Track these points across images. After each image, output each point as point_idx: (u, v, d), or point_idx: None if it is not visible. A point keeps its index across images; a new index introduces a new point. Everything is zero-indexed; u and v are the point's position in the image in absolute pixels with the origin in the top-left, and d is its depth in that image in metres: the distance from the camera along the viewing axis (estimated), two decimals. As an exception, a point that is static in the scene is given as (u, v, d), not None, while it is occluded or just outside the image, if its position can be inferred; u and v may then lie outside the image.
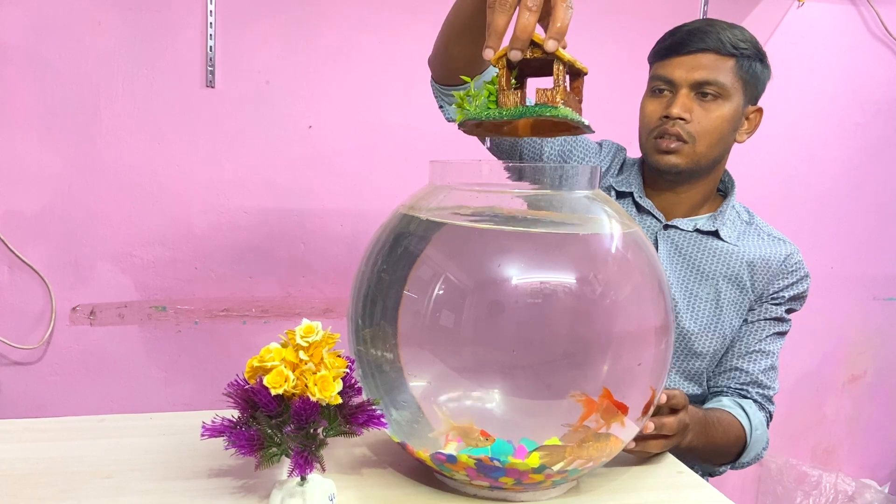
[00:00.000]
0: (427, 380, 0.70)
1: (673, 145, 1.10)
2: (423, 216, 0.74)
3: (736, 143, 1.16)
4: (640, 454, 0.85)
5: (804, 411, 2.16)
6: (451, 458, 0.70)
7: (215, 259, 1.69)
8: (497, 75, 0.70)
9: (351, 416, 0.67)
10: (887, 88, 2.03)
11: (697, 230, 1.16)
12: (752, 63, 1.10)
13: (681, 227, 1.16)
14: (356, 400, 0.68)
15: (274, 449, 0.65)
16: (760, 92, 1.15)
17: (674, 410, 0.86)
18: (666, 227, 1.17)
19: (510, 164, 0.73)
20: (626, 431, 0.73)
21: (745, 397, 1.15)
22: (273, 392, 0.63)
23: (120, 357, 1.68)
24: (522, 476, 0.70)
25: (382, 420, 0.68)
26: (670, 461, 0.87)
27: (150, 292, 1.68)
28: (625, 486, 0.80)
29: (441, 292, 0.68)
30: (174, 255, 1.67)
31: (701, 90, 1.09)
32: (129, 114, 1.60)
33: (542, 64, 0.70)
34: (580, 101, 0.71)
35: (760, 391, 1.15)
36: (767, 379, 1.16)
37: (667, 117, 1.09)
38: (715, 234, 1.16)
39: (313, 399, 0.64)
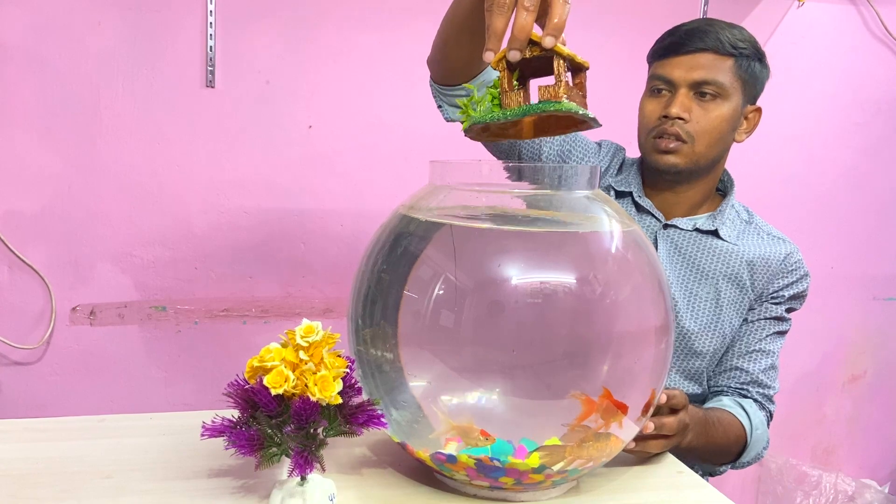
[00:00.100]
0: (427, 380, 0.70)
1: (672, 145, 1.10)
2: (422, 216, 0.74)
3: (735, 143, 1.16)
4: (640, 454, 0.85)
5: (804, 411, 2.16)
6: (451, 458, 0.70)
7: (215, 259, 1.69)
8: (498, 78, 0.70)
9: (351, 416, 0.67)
10: (887, 88, 2.03)
11: (697, 229, 1.16)
12: (750, 63, 1.10)
13: (680, 226, 1.16)
14: (356, 400, 0.68)
15: (274, 449, 0.65)
16: (759, 91, 1.15)
17: (674, 410, 0.85)
18: (665, 226, 1.17)
19: (510, 164, 0.73)
20: (626, 431, 0.73)
21: (746, 397, 1.15)
22: (273, 392, 0.63)
23: (120, 357, 1.68)
24: (522, 476, 0.70)
25: (382, 420, 0.68)
26: (670, 461, 0.87)
27: (150, 292, 1.68)
28: (625, 486, 0.80)
29: (441, 292, 0.68)
30: (174, 255, 1.67)
31: (700, 90, 1.09)
32: (129, 114, 1.60)
33: (542, 64, 0.69)
34: (584, 96, 0.71)
35: (761, 391, 1.15)
36: (768, 378, 1.16)
37: (666, 117, 1.10)
38: (714, 233, 1.16)
39: (313, 399, 0.64)
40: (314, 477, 0.69)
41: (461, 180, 0.75)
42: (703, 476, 1.07)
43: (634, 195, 1.18)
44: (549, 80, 0.68)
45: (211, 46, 1.60)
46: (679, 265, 1.16)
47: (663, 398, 0.83)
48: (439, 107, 1.09)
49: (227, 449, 0.65)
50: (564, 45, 0.67)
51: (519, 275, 0.68)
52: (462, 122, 0.73)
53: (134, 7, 1.57)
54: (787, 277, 1.16)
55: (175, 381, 1.72)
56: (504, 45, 0.68)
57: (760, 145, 1.85)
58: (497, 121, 0.69)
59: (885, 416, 2.25)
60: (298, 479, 0.68)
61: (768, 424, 1.16)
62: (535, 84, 0.72)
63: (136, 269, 1.66)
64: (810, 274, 1.19)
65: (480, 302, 0.68)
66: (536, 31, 0.68)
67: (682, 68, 1.09)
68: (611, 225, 0.73)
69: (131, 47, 1.58)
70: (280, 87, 1.66)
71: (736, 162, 1.24)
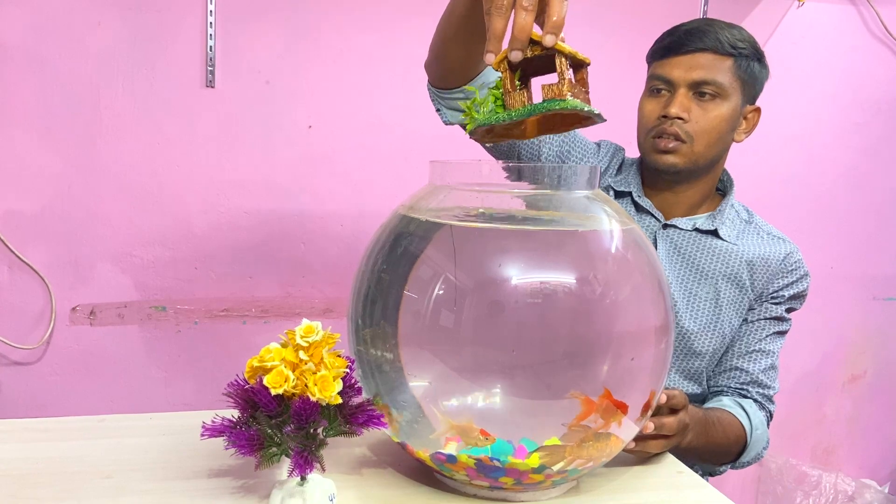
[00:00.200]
0: (427, 380, 0.70)
1: (671, 145, 1.10)
2: (422, 217, 0.74)
3: (735, 143, 1.16)
4: (640, 454, 0.85)
5: (804, 411, 2.16)
6: (451, 458, 0.70)
7: (215, 259, 1.69)
8: (500, 79, 0.70)
9: (351, 416, 0.67)
10: (887, 88, 2.03)
11: (696, 229, 1.16)
12: (750, 63, 1.10)
13: (680, 226, 1.16)
14: (356, 400, 0.68)
15: (274, 449, 0.65)
16: (759, 91, 1.15)
17: (674, 410, 0.85)
18: (665, 226, 1.17)
19: (510, 164, 0.73)
20: (625, 431, 0.73)
21: (746, 397, 1.15)
22: (273, 392, 0.63)
23: (120, 357, 1.68)
24: (522, 476, 0.70)
25: (382, 420, 0.68)
26: (670, 461, 0.87)
27: (150, 292, 1.68)
28: (625, 486, 0.80)
29: (441, 292, 0.68)
30: (174, 255, 1.67)
31: (699, 90, 1.09)
32: (129, 114, 1.60)
33: (543, 62, 0.69)
34: (587, 92, 0.71)
35: (760, 391, 1.15)
36: (767, 378, 1.16)
37: (665, 117, 1.10)
38: (714, 233, 1.16)
39: (313, 399, 0.64)
40: (314, 477, 0.69)
41: (461, 180, 0.75)
42: (703, 476, 1.07)
43: (634, 195, 1.18)
44: (551, 79, 0.68)
45: (211, 46, 1.60)
46: (679, 265, 1.16)
47: (663, 398, 0.83)
48: (438, 111, 1.09)
49: (227, 449, 0.65)
50: (564, 42, 0.67)
51: (519, 275, 0.68)
52: (465, 125, 0.73)
53: (134, 7, 1.57)
54: (786, 277, 1.16)
55: (175, 381, 1.72)
56: (504, 45, 0.68)
57: (760, 145, 1.85)
58: (502, 122, 0.69)
59: (885, 416, 2.25)
60: (298, 479, 0.68)
61: (768, 424, 1.16)
62: (537, 83, 0.72)
63: (136, 269, 1.66)
64: (810, 274, 1.19)
65: (480, 302, 0.68)
66: (536, 31, 0.68)
67: (682, 68, 1.09)
68: (610, 225, 0.73)
69: (131, 47, 1.58)
70: (280, 87, 1.66)
71: (736, 162, 1.24)
